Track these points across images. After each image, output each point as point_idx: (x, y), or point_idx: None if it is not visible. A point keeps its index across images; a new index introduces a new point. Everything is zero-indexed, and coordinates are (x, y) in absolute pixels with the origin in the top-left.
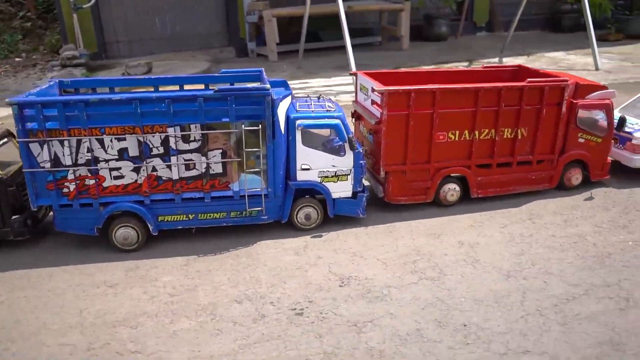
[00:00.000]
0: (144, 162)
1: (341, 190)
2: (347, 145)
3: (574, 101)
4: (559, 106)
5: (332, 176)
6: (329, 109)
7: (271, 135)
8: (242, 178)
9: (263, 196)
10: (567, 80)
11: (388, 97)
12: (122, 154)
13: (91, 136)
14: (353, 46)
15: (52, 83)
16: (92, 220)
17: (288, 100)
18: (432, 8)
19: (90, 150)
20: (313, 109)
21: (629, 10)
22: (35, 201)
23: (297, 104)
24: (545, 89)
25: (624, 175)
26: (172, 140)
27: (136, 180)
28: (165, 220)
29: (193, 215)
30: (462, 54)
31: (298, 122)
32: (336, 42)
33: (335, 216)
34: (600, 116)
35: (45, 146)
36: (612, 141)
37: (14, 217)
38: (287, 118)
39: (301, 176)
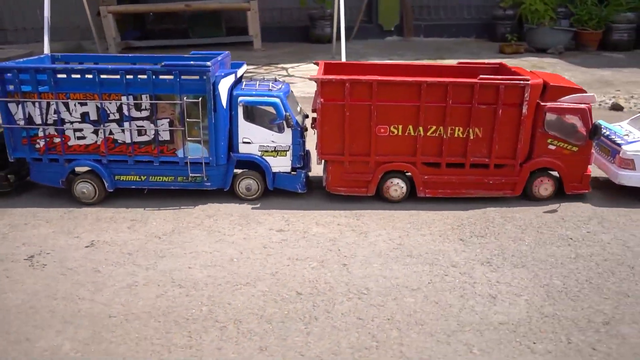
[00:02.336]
0: (102, 126)
1: (280, 165)
2: (284, 123)
3: (542, 103)
4: (520, 107)
5: (272, 151)
6: (272, 88)
7: (212, 109)
8: (187, 146)
9: (204, 164)
10: (527, 80)
11: (322, 85)
12: (84, 117)
13: (58, 100)
14: (227, 45)
15: (43, 56)
16: (58, 174)
17: (231, 78)
18: (317, 8)
19: (57, 112)
20: (257, 88)
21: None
22: (12, 154)
23: (244, 82)
24: (500, 87)
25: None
26: (125, 108)
27: (96, 142)
28: (121, 179)
29: (145, 176)
30: (322, 57)
31: (240, 98)
32: (206, 40)
33: (277, 190)
34: (579, 122)
35: (20, 106)
36: (594, 151)
37: None
38: (231, 94)
39: (243, 149)
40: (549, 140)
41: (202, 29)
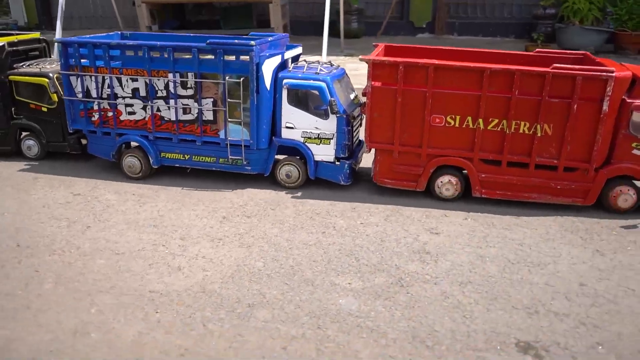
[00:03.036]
0: (150, 102)
1: (323, 153)
2: (329, 109)
3: (628, 100)
4: (600, 103)
5: (315, 138)
6: (320, 71)
7: (254, 90)
8: (229, 127)
9: (243, 147)
10: (611, 71)
11: (373, 67)
12: (135, 93)
13: (112, 75)
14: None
15: (112, 34)
16: (110, 147)
17: (277, 59)
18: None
19: (110, 87)
20: (304, 71)
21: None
22: (71, 125)
23: (293, 65)
24: (577, 79)
25: None
26: (171, 85)
27: (144, 118)
28: (166, 157)
29: (188, 156)
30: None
31: (285, 80)
32: (236, 32)
33: (318, 179)
34: None
35: (79, 80)
36: None
37: (70, 135)
38: (276, 76)
39: (285, 134)
40: (634, 144)
41: (234, 20)
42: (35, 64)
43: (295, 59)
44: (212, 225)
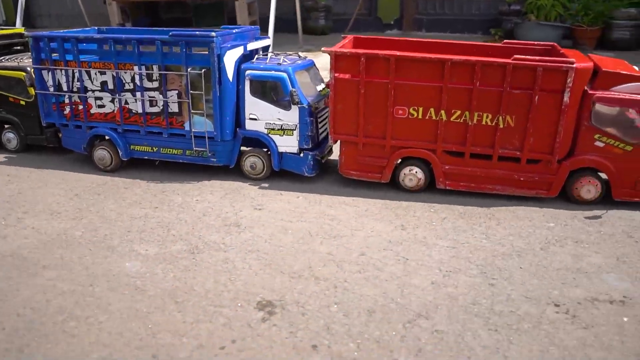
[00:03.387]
0: (117, 95)
1: (287, 144)
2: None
3: (590, 91)
4: (561, 95)
5: (278, 129)
6: (282, 62)
7: (217, 81)
8: (194, 119)
9: (207, 138)
10: (572, 62)
11: (335, 59)
12: (104, 86)
13: (81, 68)
14: None
15: (89, 29)
16: (81, 140)
17: (239, 50)
18: (311, 0)
19: (80, 80)
20: (268, 62)
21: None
22: (44, 118)
23: (256, 56)
24: (538, 70)
25: None
26: (137, 78)
27: (113, 110)
28: (136, 149)
29: (156, 148)
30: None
31: (247, 72)
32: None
33: (284, 171)
34: (637, 117)
35: (50, 74)
36: None
37: (47, 128)
38: (238, 68)
39: (249, 125)
40: (596, 136)
41: (205, 18)
42: (14, 58)
43: (265, 50)
44: (60, 202)
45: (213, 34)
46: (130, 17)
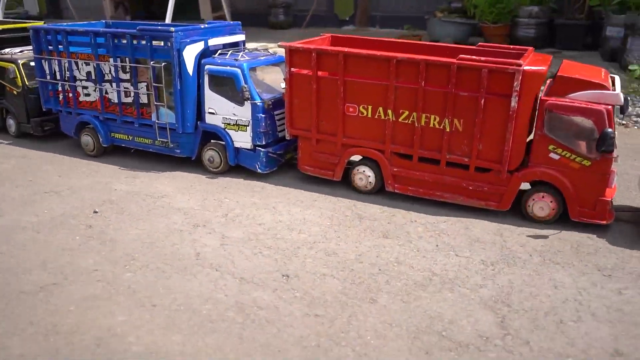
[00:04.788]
0: (98, 85)
1: (241, 140)
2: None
3: (543, 97)
4: (508, 98)
5: (234, 124)
6: (241, 58)
7: (177, 75)
8: (160, 110)
9: (169, 130)
10: (519, 65)
11: (290, 54)
12: (89, 76)
13: (70, 59)
14: None
15: (97, 22)
16: (72, 126)
17: (199, 45)
18: None
19: (70, 70)
20: (227, 57)
21: None
22: (44, 104)
23: (219, 51)
24: (483, 71)
25: None
26: (112, 69)
27: (97, 99)
28: (115, 137)
29: (131, 137)
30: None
31: (206, 66)
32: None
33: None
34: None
35: (47, 63)
36: (615, 169)
37: (33, 118)
38: (199, 62)
39: (208, 119)
40: (550, 147)
41: (193, 11)
42: (14, 50)
43: (235, 45)
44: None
45: (172, 29)
46: (129, 11)
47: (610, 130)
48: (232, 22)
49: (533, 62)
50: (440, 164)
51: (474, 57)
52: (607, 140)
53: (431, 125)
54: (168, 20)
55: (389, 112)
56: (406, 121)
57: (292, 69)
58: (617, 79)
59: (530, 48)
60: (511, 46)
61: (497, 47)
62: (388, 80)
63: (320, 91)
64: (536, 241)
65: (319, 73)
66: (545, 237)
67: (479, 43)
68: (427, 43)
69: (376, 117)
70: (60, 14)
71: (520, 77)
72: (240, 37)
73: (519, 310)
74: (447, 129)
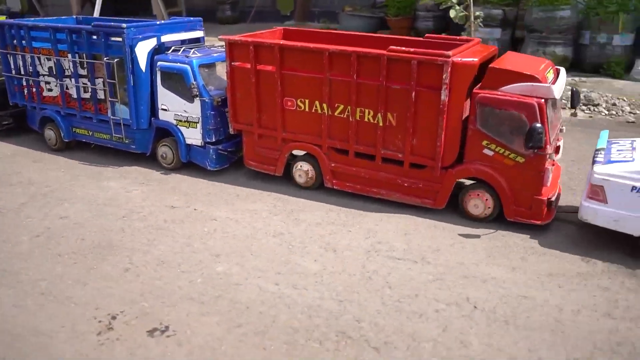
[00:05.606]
0: (58, 81)
1: (192, 137)
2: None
3: (475, 90)
4: (438, 92)
5: (185, 121)
6: (192, 55)
7: (130, 71)
8: (116, 106)
9: (122, 126)
10: (448, 56)
11: (229, 47)
12: (50, 71)
13: (33, 54)
14: None
15: (67, 18)
16: (36, 120)
17: (151, 42)
18: None
19: (32, 65)
20: (179, 54)
21: None
22: (11, 99)
23: (173, 47)
24: (412, 63)
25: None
26: (71, 65)
27: (58, 94)
28: (77, 132)
29: (91, 132)
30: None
31: (158, 63)
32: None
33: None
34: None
35: (12, 58)
36: (549, 167)
37: None
38: (152, 59)
39: (161, 116)
40: (484, 142)
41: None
42: None
43: (197, 41)
44: None
45: (124, 25)
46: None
47: (538, 125)
48: (192, 19)
49: (465, 54)
50: (376, 160)
51: (403, 48)
52: (534, 136)
53: (366, 119)
54: (96, 14)
55: (324, 106)
56: (342, 115)
57: (232, 62)
58: (563, 71)
59: (476, 39)
60: (458, 37)
61: (444, 38)
62: (322, 73)
63: (260, 85)
64: (461, 239)
65: (258, 66)
66: (477, 236)
67: (426, 34)
68: (383, 35)
69: (313, 111)
70: (44, 11)
71: (449, 69)
72: (199, 34)
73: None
74: (381, 124)
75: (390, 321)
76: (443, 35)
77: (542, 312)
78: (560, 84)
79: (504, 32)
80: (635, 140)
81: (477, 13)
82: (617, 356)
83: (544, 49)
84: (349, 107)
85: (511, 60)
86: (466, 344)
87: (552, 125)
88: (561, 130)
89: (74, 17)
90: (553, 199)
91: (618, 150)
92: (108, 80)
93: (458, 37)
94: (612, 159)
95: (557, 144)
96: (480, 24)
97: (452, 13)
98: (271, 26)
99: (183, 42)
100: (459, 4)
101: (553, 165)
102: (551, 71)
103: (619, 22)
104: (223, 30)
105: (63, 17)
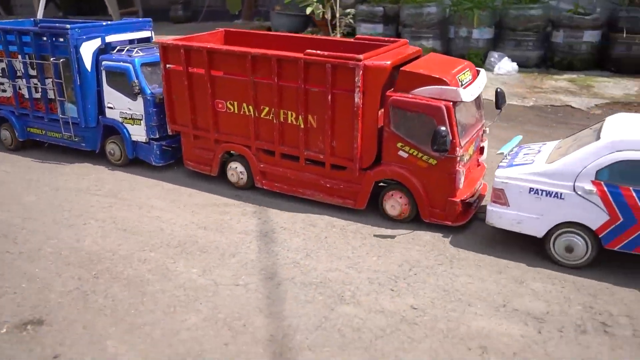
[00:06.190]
0: (11, 81)
1: (137, 133)
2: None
3: (388, 93)
4: (352, 94)
5: (129, 118)
6: (136, 54)
7: (76, 71)
8: (65, 105)
9: (71, 124)
10: (359, 59)
11: (163, 50)
12: (3, 72)
13: None
14: None
15: (24, 20)
16: None
17: (96, 42)
18: None
19: None
20: (123, 53)
21: None
22: None
23: (119, 47)
24: (327, 66)
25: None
26: (22, 66)
27: (11, 95)
28: (31, 131)
29: (44, 131)
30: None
31: (103, 62)
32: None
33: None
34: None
35: None
36: (460, 169)
37: None
38: (97, 58)
39: (108, 114)
40: (399, 144)
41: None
42: None
43: (147, 41)
44: None
45: (68, 26)
46: (61, 9)
47: (442, 129)
48: (141, 19)
49: (381, 57)
50: (300, 161)
51: (318, 52)
52: (438, 139)
53: (289, 121)
54: (40, 15)
55: (251, 108)
56: (267, 117)
57: (167, 65)
58: (483, 72)
59: (403, 40)
60: (387, 38)
61: (372, 39)
62: (247, 76)
63: (192, 87)
64: (374, 239)
65: (189, 69)
66: (393, 237)
67: (357, 35)
68: (323, 38)
69: (242, 113)
70: (10, 11)
71: (361, 72)
72: (147, 34)
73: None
74: (302, 126)
75: None
76: (372, 37)
77: None
78: (474, 87)
79: (385, 27)
80: (545, 144)
81: (348, 10)
82: None
83: (416, 42)
84: (273, 109)
85: (427, 63)
86: None
87: (469, 127)
88: (485, 132)
89: (32, 19)
90: (471, 200)
91: (525, 154)
92: (55, 80)
93: (386, 39)
94: (514, 163)
95: (481, 145)
96: (351, 20)
97: (308, 10)
98: (220, 26)
99: (132, 41)
100: (318, 1)
101: (479, 165)
102: (468, 73)
103: (473, 18)
104: (176, 30)
105: (20, 20)
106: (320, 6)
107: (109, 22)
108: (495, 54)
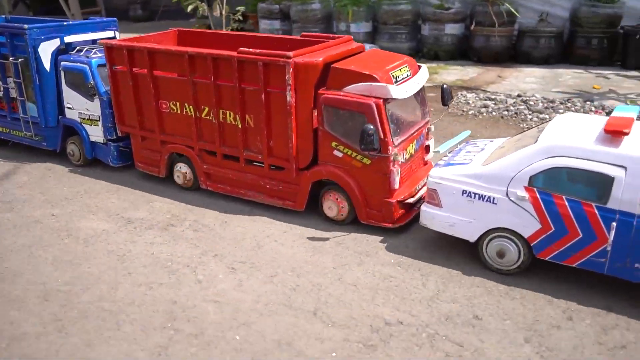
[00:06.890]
0: None
1: (95, 134)
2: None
3: (320, 91)
4: (284, 93)
5: (88, 119)
6: (94, 55)
7: (35, 70)
8: (26, 105)
9: (31, 124)
10: (289, 57)
11: (107, 51)
12: None
13: None
14: None
15: None
16: None
17: (55, 42)
18: None
19: None
20: (82, 54)
21: None
22: None
23: (79, 47)
24: (259, 64)
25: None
26: None
27: None
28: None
29: (8, 129)
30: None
31: (61, 63)
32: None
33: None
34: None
35: None
36: (395, 169)
37: None
38: (56, 59)
39: (68, 114)
40: (333, 144)
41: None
42: None
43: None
44: None
45: (26, 26)
46: (31, 8)
47: (370, 127)
48: (106, 19)
49: (315, 54)
50: (240, 162)
51: (251, 50)
52: (365, 138)
53: (228, 121)
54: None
55: (192, 108)
56: (208, 117)
57: (113, 66)
58: (424, 68)
59: (347, 37)
60: (332, 35)
61: (317, 36)
62: (186, 75)
63: (137, 88)
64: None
65: (133, 70)
66: (326, 239)
67: (302, 33)
68: (274, 36)
69: (184, 113)
70: None
71: (292, 70)
72: (110, 34)
73: None
74: (240, 125)
75: None
76: (318, 34)
77: None
78: (411, 83)
79: (282, 23)
80: (491, 142)
81: (238, 8)
82: None
83: None
84: (212, 110)
85: (362, 59)
86: None
87: (407, 125)
88: (429, 129)
89: (3, 17)
90: (411, 201)
91: (467, 152)
92: (15, 79)
93: (332, 35)
94: (451, 162)
95: (427, 143)
96: (240, 17)
97: (189, 8)
98: (177, 25)
99: (94, 41)
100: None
101: (426, 164)
102: (405, 69)
103: (348, 14)
104: (136, 29)
105: None
106: (204, 4)
107: (70, 22)
108: (368, 46)
